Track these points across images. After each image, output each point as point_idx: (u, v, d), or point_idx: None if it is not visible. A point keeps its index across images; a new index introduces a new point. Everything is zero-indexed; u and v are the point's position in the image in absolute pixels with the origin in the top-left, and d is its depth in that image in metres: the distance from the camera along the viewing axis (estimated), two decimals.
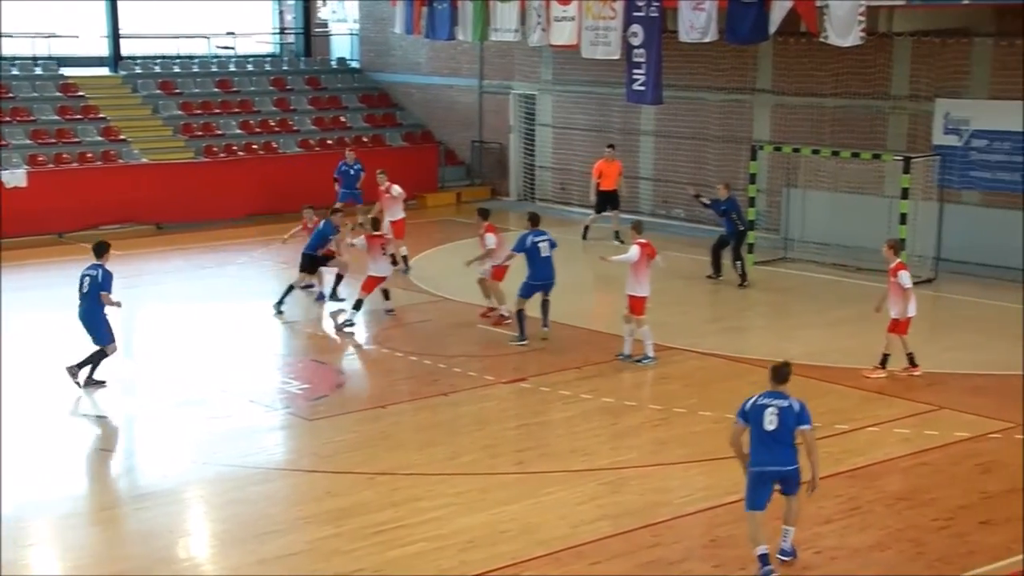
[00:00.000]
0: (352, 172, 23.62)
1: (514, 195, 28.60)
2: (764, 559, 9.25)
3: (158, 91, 28.91)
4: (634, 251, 15.06)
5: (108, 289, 14.28)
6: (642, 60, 21.21)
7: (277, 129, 29.01)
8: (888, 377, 14.39)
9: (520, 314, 16.24)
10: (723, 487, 11.07)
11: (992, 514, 10.47)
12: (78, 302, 14.39)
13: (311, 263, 18.34)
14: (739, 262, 19.48)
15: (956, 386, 14.04)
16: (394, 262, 19.05)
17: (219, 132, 28.16)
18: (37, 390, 14.35)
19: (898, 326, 14.34)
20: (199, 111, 28.70)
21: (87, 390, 14.27)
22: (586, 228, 23.13)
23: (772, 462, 9.23)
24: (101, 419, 13.78)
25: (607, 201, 23.11)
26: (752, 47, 22.27)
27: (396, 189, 20.67)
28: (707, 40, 20.56)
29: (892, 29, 19.83)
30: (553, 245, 16.30)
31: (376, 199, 21.06)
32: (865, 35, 18.57)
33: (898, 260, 14.36)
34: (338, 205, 21.39)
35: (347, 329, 17.09)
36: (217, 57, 31.62)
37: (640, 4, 20.97)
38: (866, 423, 12.86)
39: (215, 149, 27.50)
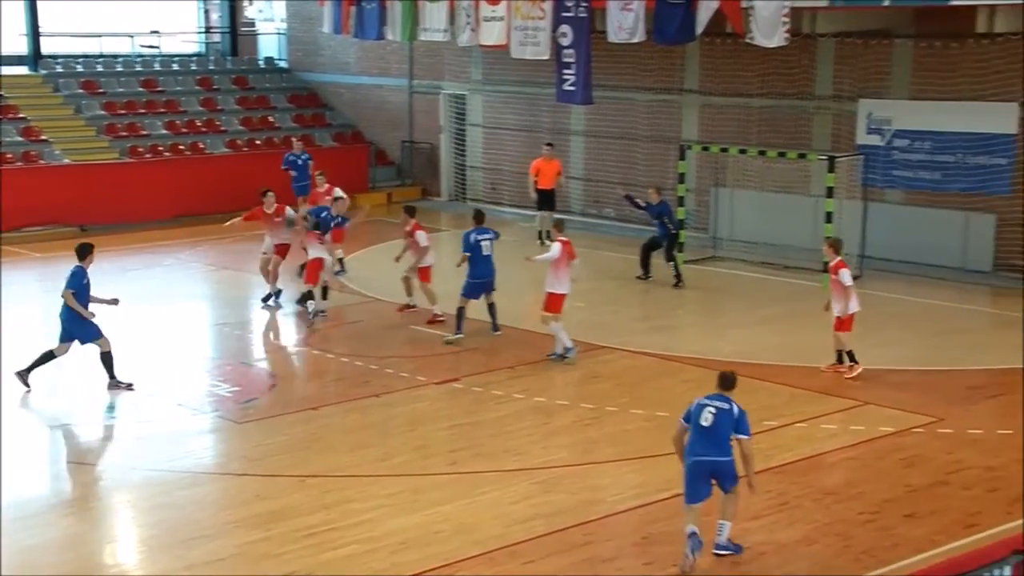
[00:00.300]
0: (301, 163, 23.57)
1: (445, 195, 28.55)
2: (692, 536, 9.44)
3: (80, 91, 28.40)
4: (556, 248, 15.12)
5: (73, 287, 14.00)
6: (572, 60, 21.31)
7: (204, 129, 28.65)
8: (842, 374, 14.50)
9: (460, 311, 16.27)
10: (655, 484, 11.16)
11: (916, 507, 10.67)
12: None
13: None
14: (672, 263, 19.63)
15: (881, 382, 14.28)
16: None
17: (144, 132, 27.75)
18: None
19: (842, 324, 14.45)
20: (123, 111, 28.24)
21: (112, 392, 14.13)
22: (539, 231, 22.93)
23: (705, 452, 9.53)
24: (26, 424, 13.49)
25: (544, 200, 23.02)
26: (680, 47, 22.48)
27: (338, 192, 20.53)
28: (635, 40, 20.70)
29: (816, 30, 20.15)
30: (496, 236, 16.42)
31: (316, 200, 20.71)
32: (790, 36, 18.83)
33: (838, 258, 14.46)
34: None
35: (319, 317, 17.23)
36: (141, 56, 31.15)
37: (569, 4, 21.06)
38: (794, 419, 13.04)
39: (140, 150, 27.09)
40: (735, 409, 9.58)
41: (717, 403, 9.62)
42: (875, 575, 9.31)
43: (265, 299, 18.35)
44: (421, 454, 12.26)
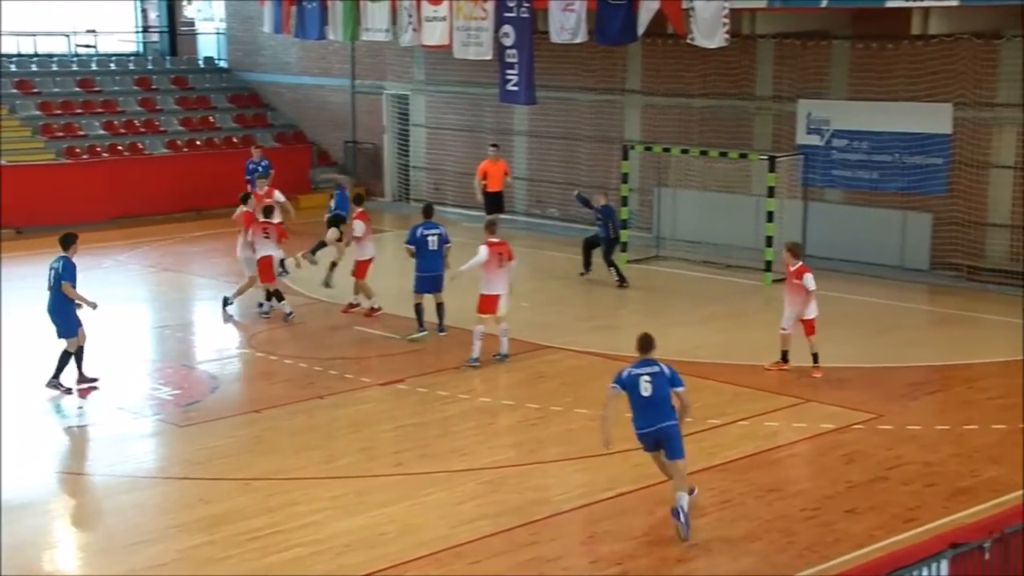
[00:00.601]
0: (261, 169, 23.35)
1: (389, 195, 28.46)
2: (676, 513, 9.97)
3: (15, 90, 27.93)
4: (482, 252, 15.05)
5: (69, 279, 13.97)
6: (514, 60, 21.32)
7: (143, 130, 28.31)
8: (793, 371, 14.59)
9: (417, 308, 16.27)
10: (600, 483, 11.22)
11: (856, 503, 10.80)
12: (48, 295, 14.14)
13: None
14: (612, 268, 19.70)
15: (822, 379, 14.44)
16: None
17: (81, 133, 27.35)
18: None
19: (809, 326, 14.43)
20: (59, 111, 27.83)
21: (49, 389, 13.97)
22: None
23: (652, 422, 10.14)
24: None
25: (492, 203, 22.76)
26: (622, 48, 22.58)
27: (278, 195, 20.37)
28: (577, 41, 20.76)
29: (755, 31, 20.33)
30: (445, 240, 16.29)
31: (258, 201, 20.47)
32: (730, 37, 18.99)
33: (800, 263, 14.45)
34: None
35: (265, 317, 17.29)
36: (77, 56, 30.72)
37: (511, 5, 21.07)
38: (737, 417, 13.15)
39: (77, 150, 26.70)
40: (665, 369, 10.24)
41: (648, 369, 10.19)
42: (817, 570, 9.42)
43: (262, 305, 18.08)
44: (366, 456, 12.20)
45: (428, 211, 16.83)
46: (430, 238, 16.17)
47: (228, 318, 17.66)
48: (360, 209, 17.62)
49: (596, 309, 18.80)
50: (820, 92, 21.13)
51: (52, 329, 14.29)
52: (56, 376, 14.09)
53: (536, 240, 22.74)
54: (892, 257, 20.27)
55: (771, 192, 19.76)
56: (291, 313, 17.39)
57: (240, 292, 17.80)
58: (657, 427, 10.13)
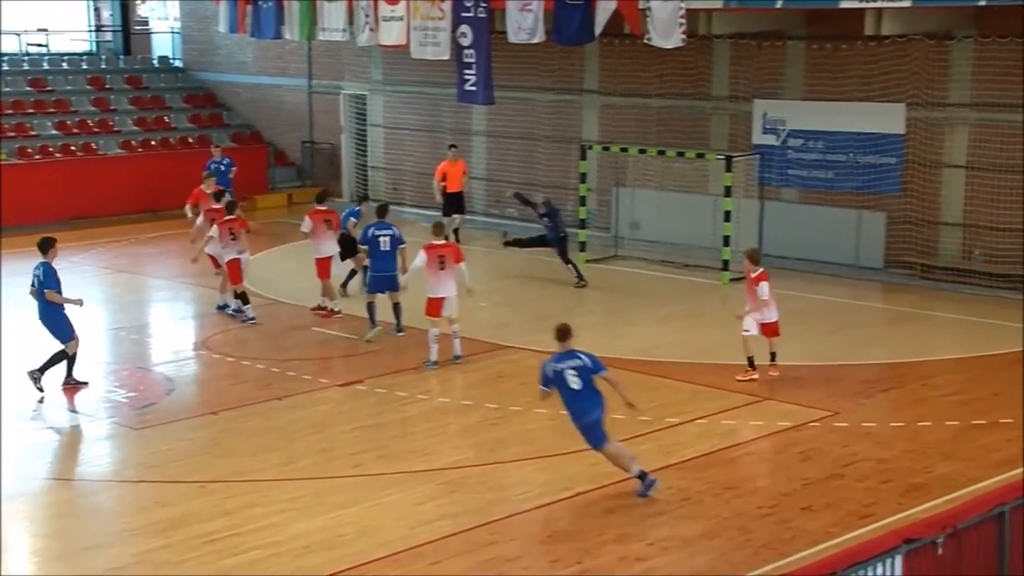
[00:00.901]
0: (223, 168, 23.25)
1: (347, 196, 28.31)
2: (642, 476, 10.75)
3: None
4: (420, 256, 14.97)
5: (53, 286, 13.86)
6: (472, 60, 21.30)
7: (96, 130, 28.02)
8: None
9: (370, 307, 16.23)
10: (560, 483, 11.25)
11: (812, 500, 10.90)
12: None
13: (350, 246, 18.27)
14: (570, 264, 19.74)
15: (779, 377, 14.53)
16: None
17: (33, 133, 27.03)
18: None
19: (770, 329, 14.42)
20: (10, 111, 27.46)
21: (29, 379, 13.85)
22: (454, 232, 22.27)
23: (586, 411, 10.75)
24: None
25: (452, 204, 22.64)
26: (579, 48, 22.63)
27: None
28: (535, 41, 20.79)
29: (712, 32, 20.45)
30: (399, 241, 16.20)
31: (199, 200, 20.34)
32: (686, 37, 19.10)
33: (760, 269, 14.33)
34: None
35: (248, 322, 17.14)
36: (29, 55, 30.33)
37: (468, 5, 21.06)
38: (695, 416, 13.22)
39: (29, 151, 26.37)
40: (585, 358, 10.73)
41: (571, 362, 10.68)
42: (774, 567, 9.49)
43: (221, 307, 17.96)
44: (325, 457, 12.15)
45: (382, 211, 16.79)
46: (382, 238, 16.10)
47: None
48: (318, 207, 17.55)
49: (555, 309, 18.77)
50: (776, 92, 21.29)
51: (47, 335, 14.19)
52: (41, 370, 13.95)
53: (495, 240, 22.73)
54: (847, 256, 20.46)
55: (728, 192, 19.89)
56: (253, 319, 17.23)
57: (225, 290, 17.65)
58: (591, 415, 10.67)
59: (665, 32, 19.14)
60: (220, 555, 9.82)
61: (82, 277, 20.89)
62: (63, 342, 14.11)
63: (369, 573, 9.55)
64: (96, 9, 32.81)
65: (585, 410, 10.72)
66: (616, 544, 9.98)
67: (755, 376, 14.37)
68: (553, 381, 10.72)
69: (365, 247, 16.23)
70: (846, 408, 13.44)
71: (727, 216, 19.85)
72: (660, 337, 16.63)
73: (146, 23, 32.83)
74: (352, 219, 18.59)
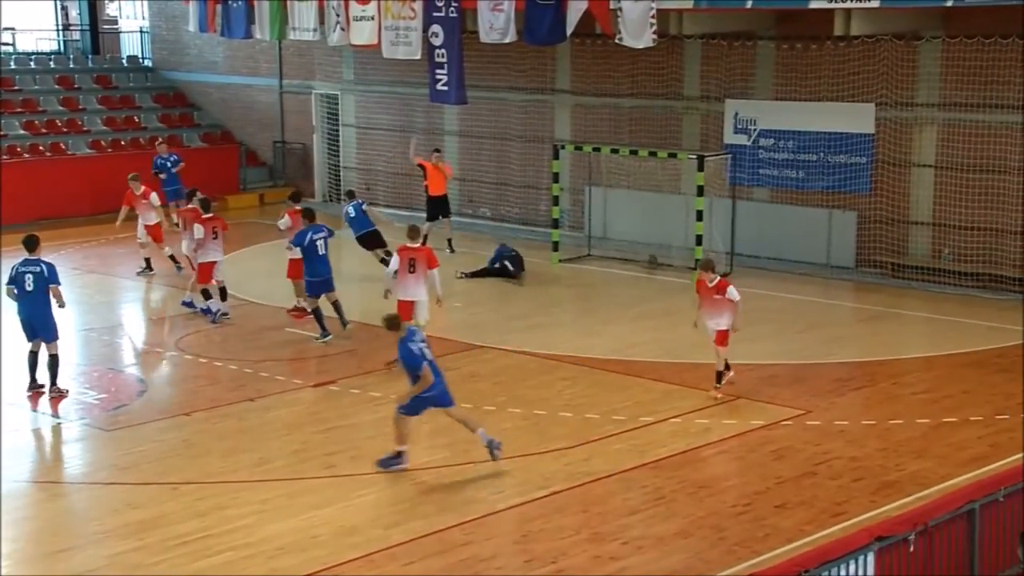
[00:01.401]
0: (170, 164, 23.15)
1: (319, 196, 28.23)
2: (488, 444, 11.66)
3: None
4: (394, 260, 14.97)
5: (58, 281, 13.81)
6: (444, 60, 21.28)
7: (65, 130, 27.79)
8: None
9: (316, 312, 16.18)
10: (534, 482, 11.26)
11: (786, 498, 10.95)
12: (18, 301, 13.79)
13: (373, 239, 19.46)
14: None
15: (752, 376, 14.60)
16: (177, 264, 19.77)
17: (1, 133, 26.76)
18: None
19: (717, 336, 13.76)
20: None
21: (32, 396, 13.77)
22: (424, 237, 21.33)
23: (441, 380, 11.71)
24: None
25: (438, 208, 22.16)
26: (551, 48, 22.65)
27: (154, 198, 20.17)
28: (507, 41, 20.79)
29: (682, 32, 20.51)
30: (331, 234, 16.32)
31: (132, 203, 20.15)
32: (657, 37, 19.15)
33: (717, 277, 13.83)
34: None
35: (224, 319, 17.13)
36: None
37: (439, 4, 21.03)
38: (669, 415, 13.25)
39: None
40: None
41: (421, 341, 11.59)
42: (747, 566, 9.53)
43: (188, 302, 17.81)
44: (298, 458, 12.11)
45: (311, 214, 16.57)
46: (319, 242, 16.01)
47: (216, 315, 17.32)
48: (296, 207, 17.47)
49: (528, 308, 18.84)
50: (746, 92, 21.38)
51: (32, 333, 14.01)
52: (54, 382, 13.87)
53: (468, 240, 22.73)
54: (818, 255, 20.57)
55: (700, 191, 19.95)
56: (226, 313, 17.16)
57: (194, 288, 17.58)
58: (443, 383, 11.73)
59: (636, 32, 19.18)
60: (193, 557, 9.77)
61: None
62: (53, 340, 13.92)
63: (343, 574, 9.53)
64: (63, 8, 32.54)
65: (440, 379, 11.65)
66: (590, 543, 9.99)
67: (731, 377, 13.99)
68: (423, 359, 11.43)
69: (297, 247, 16.11)
70: (818, 407, 13.51)
71: (699, 215, 19.91)
72: (634, 336, 16.67)
73: (115, 22, 32.58)
74: (352, 212, 19.69)
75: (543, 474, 11.48)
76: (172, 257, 20.08)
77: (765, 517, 10.53)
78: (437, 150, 23.11)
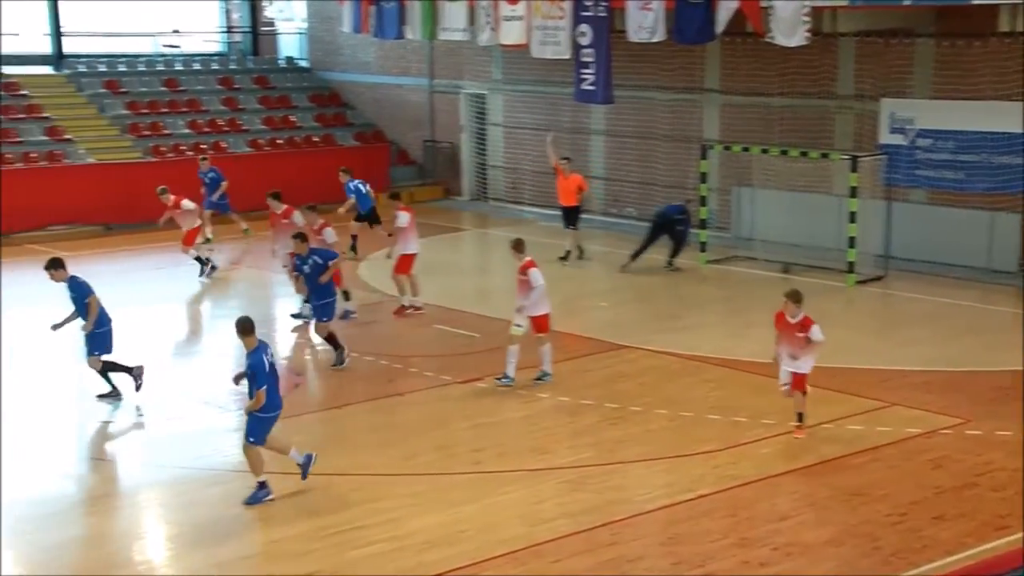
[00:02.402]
0: (208, 180, 23.27)
1: (467, 194, 28.57)
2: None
3: (103, 90, 28.54)
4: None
5: (91, 291, 13.80)
6: (591, 60, 21.28)
7: (226, 129, 28.75)
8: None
9: (331, 338, 15.37)
10: (682, 484, 11.16)
11: (944, 509, 10.60)
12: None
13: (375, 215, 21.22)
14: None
15: (906, 383, 14.20)
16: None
17: (167, 132, 27.86)
18: None
19: (796, 380, 12.46)
20: (146, 110, 28.37)
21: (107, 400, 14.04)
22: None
23: (278, 406, 11.16)
24: (54, 423, 13.56)
25: (565, 218, 21.61)
26: (700, 47, 22.42)
27: (186, 202, 20.66)
28: (655, 40, 20.67)
29: (837, 29, 20.06)
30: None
31: (162, 210, 20.82)
32: (810, 35, 18.78)
33: (803, 313, 12.37)
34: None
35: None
36: (163, 56, 31.30)
37: (588, 4, 21.05)
38: (820, 420, 12.96)
39: (163, 149, 27.19)
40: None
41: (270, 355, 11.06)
42: None
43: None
44: (445, 453, 12.26)
45: (306, 238, 15.59)
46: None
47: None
48: (400, 204, 17.64)
49: (674, 309, 18.69)
50: (903, 91, 20.78)
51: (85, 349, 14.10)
52: (113, 387, 14.04)
53: (613, 240, 22.66)
54: (978, 259, 19.87)
55: (853, 192, 19.48)
56: (347, 315, 17.31)
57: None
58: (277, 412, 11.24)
59: (788, 30, 18.85)
60: (344, 547, 9.98)
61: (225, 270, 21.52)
62: (105, 353, 13.94)
63: (488, 570, 9.60)
64: (227, 10, 33.68)
65: (278, 404, 11.07)
66: (739, 548, 9.86)
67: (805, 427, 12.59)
68: (269, 372, 10.89)
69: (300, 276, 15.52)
70: (979, 415, 13.03)
71: (852, 217, 19.44)
72: None
73: (273, 24, 33.57)
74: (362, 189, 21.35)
75: (691, 476, 11.38)
76: (199, 259, 20.53)
77: (922, 528, 10.22)
78: (566, 158, 22.16)
